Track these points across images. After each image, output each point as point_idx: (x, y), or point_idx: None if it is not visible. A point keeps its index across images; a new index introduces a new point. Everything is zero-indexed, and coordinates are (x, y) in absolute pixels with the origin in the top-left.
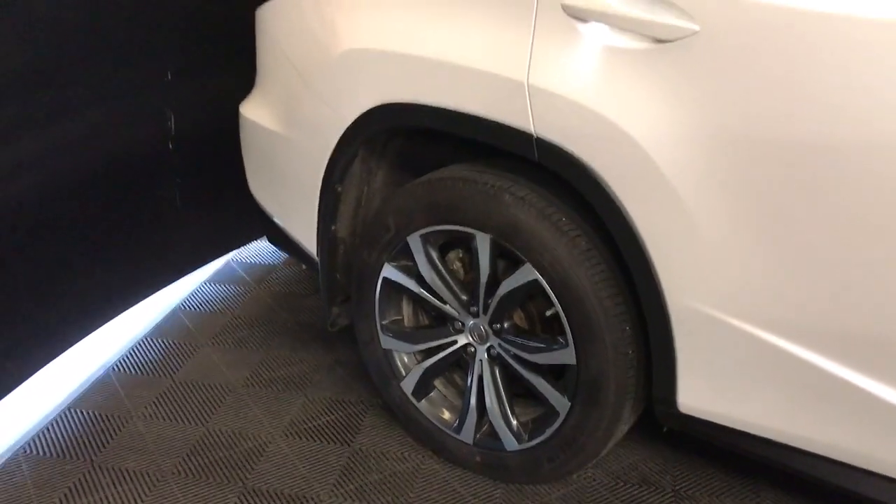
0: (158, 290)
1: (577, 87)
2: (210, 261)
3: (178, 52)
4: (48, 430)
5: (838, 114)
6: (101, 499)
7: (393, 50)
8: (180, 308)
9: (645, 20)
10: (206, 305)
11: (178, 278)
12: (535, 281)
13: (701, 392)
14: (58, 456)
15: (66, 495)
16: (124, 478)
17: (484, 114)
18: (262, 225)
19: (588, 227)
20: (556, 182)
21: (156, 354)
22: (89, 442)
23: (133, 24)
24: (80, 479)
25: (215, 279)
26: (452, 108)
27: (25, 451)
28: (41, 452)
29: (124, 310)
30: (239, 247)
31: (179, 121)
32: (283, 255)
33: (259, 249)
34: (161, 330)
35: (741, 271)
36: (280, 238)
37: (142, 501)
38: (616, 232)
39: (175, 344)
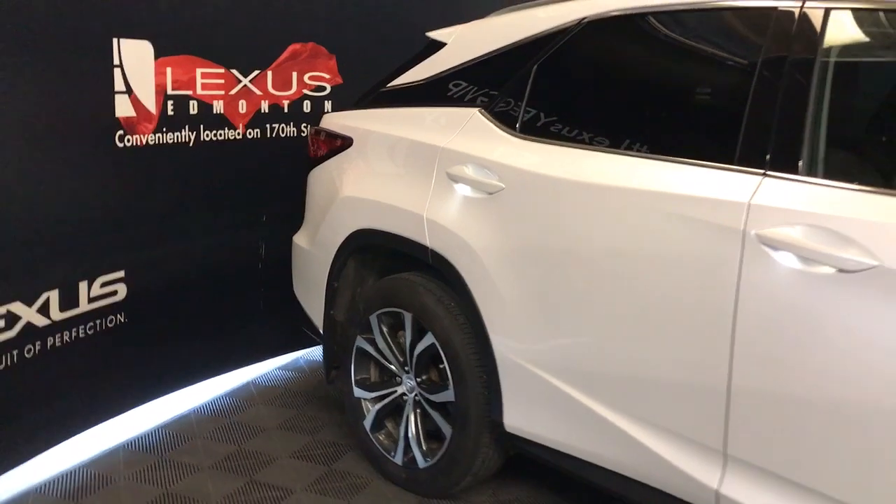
0: (240, 367)
1: (449, 218)
2: (282, 354)
3: (271, 204)
4: (146, 437)
5: (575, 234)
6: (164, 475)
7: (363, 197)
8: (252, 382)
9: (481, 181)
10: (271, 382)
11: (256, 362)
12: (433, 343)
13: (516, 416)
14: (145, 452)
15: (144, 469)
16: (179, 466)
17: (404, 234)
18: (298, 314)
19: (464, 308)
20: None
21: (226, 406)
22: (165, 446)
23: (243, 185)
24: (153, 464)
25: (284, 367)
26: (389, 231)
27: (125, 448)
28: (135, 449)
29: (214, 376)
30: (306, 347)
31: (268, 250)
32: None
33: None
34: (234, 393)
35: (530, 334)
36: (307, 323)
37: (185, 478)
38: (468, 309)
39: (241, 402)
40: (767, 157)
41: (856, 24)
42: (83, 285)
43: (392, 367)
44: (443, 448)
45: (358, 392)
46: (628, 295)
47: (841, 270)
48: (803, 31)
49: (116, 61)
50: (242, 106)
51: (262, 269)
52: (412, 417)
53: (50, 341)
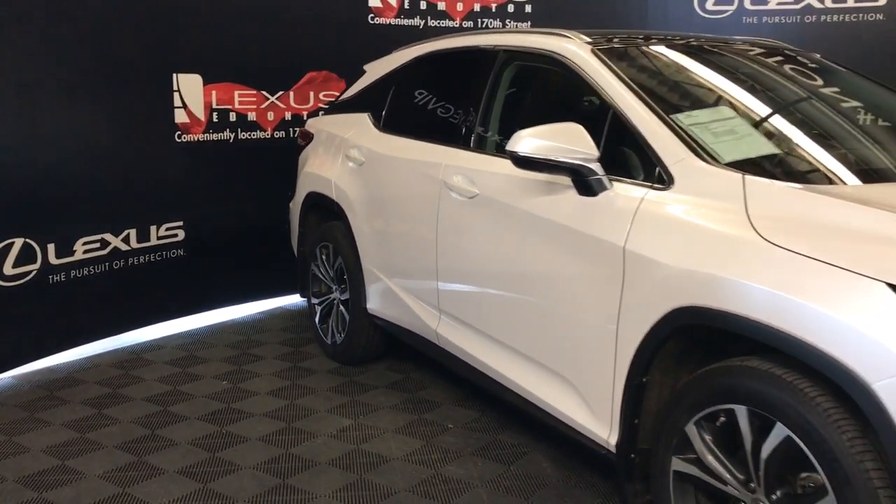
0: (271, 297)
1: (343, 181)
2: None
3: (292, 184)
4: (192, 330)
5: (388, 187)
6: (194, 349)
7: (312, 171)
8: (281, 307)
9: (357, 158)
10: (292, 307)
11: (285, 294)
12: (341, 263)
13: (372, 301)
14: (187, 337)
15: (183, 343)
16: (205, 345)
17: (325, 193)
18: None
19: (352, 238)
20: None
21: (254, 318)
22: (202, 334)
23: (272, 170)
24: (190, 342)
25: None
26: (319, 192)
27: (176, 336)
28: (182, 335)
29: (249, 301)
30: None
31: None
32: None
33: None
34: (264, 312)
35: (373, 249)
36: (294, 260)
37: (206, 350)
38: (352, 238)
39: (264, 316)
40: (461, 138)
41: (516, 59)
42: (153, 228)
43: (328, 282)
44: (348, 328)
45: (312, 300)
46: (403, 221)
47: (470, 198)
48: (488, 63)
49: (175, 87)
50: (270, 115)
51: (287, 229)
52: (337, 314)
53: (131, 261)
